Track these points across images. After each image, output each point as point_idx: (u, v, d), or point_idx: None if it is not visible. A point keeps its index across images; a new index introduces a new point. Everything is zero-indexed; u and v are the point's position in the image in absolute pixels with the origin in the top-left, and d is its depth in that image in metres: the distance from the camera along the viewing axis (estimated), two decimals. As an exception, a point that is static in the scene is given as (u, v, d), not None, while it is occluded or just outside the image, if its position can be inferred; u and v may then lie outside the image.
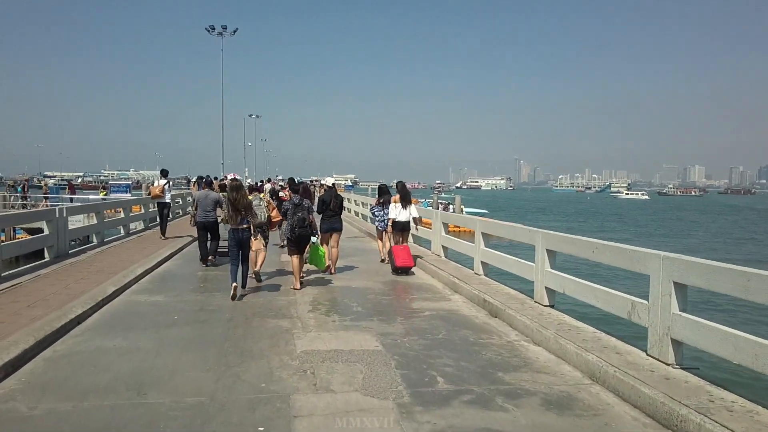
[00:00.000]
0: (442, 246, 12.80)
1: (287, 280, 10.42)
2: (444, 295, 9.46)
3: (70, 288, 8.79)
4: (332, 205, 11.31)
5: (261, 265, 10.18)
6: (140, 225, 19.71)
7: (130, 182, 40.94)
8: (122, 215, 17.65)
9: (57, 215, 11.97)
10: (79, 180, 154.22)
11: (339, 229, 11.47)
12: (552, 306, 7.85)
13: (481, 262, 10.34)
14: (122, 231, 17.31)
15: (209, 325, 7.28)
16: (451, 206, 46.43)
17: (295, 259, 9.73)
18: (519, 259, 8.91)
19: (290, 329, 7.08)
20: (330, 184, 12.26)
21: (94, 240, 14.75)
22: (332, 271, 11.28)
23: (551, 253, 7.86)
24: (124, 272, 10.25)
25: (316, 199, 15.70)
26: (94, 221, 14.82)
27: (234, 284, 8.79)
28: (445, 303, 8.84)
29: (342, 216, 11.89)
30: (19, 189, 36.74)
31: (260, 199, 10.83)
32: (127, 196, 36.15)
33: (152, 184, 17.47)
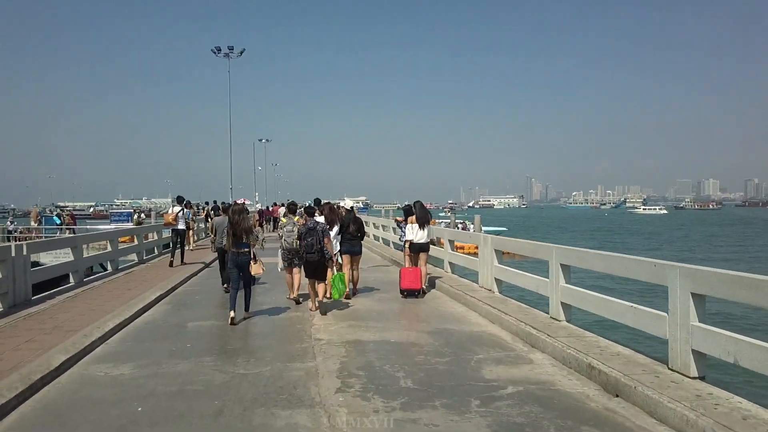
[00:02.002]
0: (495, 279, 10.24)
1: (299, 318, 7.96)
2: (519, 352, 6.87)
3: (3, 359, 6.32)
4: (350, 228, 11.23)
5: (298, 287, 10.50)
6: (135, 258, 17.42)
7: (132, 211, 38.66)
8: (108, 248, 15.24)
9: (13, 253, 9.55)
10: (91, 210, 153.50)
11: (359, 252, 11.44)
12: (702, 378, 5.23)
13: (561, 303, 7.73)
14: (109, 267, 14.94)
15: (186, 426, 4.73)
16: (470, 225, 44.13)
17: (308, 284, 9.70)
18: (640, 306, 6.21)
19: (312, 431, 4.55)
20: (348, 207, 12.28)
21: (71, 280, 12.34)
22: (354, 292, 11.15)
23: (699, 300, 5.24)
24: (89, 329, 7.75)
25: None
26: (71, 257, 12.36)
27: (231, 314, 8.62)
28: (527, 368, 6.24)
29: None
30: (57, 220, 34.80)
31: (294, 223, 10.30)
32: (129, 225, 33.99)
33: (167, 212, 17.08)
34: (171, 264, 15.59)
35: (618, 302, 6.46)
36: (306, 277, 9.71)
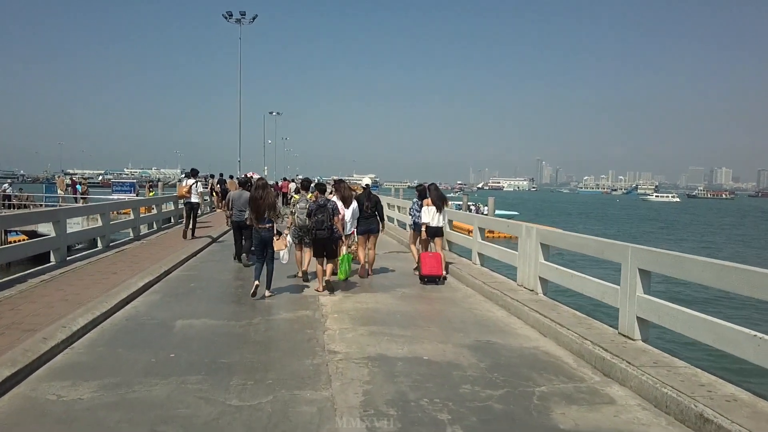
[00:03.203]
0: (540, 278, 8.71)
1: (309, 319, 6.49)
2: (592, 384, 5.34)
3: (-74, 372, 4.88)
4: (366, 206, 10.98)
5: (308, 264, 10.24)
6: (131, 234, 16.04)
7: (135, 181, 37.19)
8: (99, 223, 13.80)
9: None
10: (100, 178, 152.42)
11: (376, 231, 11.22)
12: None
13: (638, 318, 6.18)
14: (99, 243, 13.52)
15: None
16: (484, 208, 42.46)
17: (315, 262, 9.49)
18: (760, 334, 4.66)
19: None
20: (365, 184, 11.94)
21: (52, 259, 10.92)
22: (369, 272, 11.05)
23: None
24: (52, 328, 6.29)
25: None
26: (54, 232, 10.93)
27: (256, 282, 8.78)
28: (610, 412, 4.70)
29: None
30: (79, 188, 33.43)
31: (306, 200, 9.92)
32: (131, 197, 32.60)
33: (180, 183, 17.00)
34: (185, 235, 15.69)
35: (734, 328, 4.90)
36: (314, 255, 9.50)
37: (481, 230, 11.87)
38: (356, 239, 11.10)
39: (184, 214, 16.57)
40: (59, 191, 33.86)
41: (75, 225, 18.66)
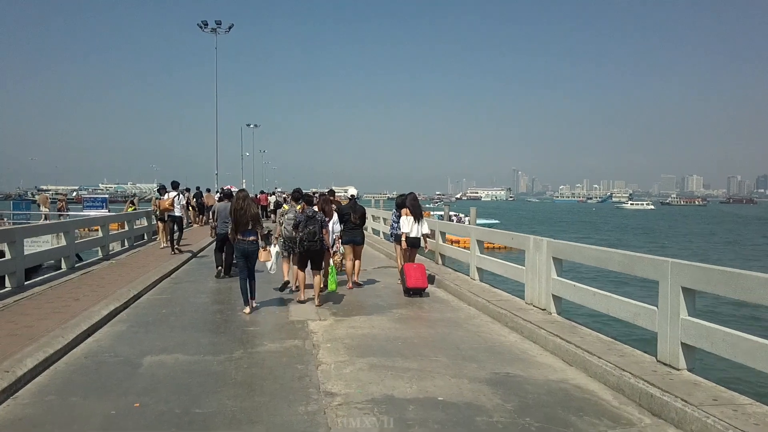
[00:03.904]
0: (554, 296, 7.87)
1: (299, 350, 5.53)
2: (642, 428, 4.46)
3: None
4: (352, 217, 10.96)
5: (296, 276, 9.78)
6: (99, 253, 14.87)
7: (107, 196, 35.73)
8: (59, 242, 12.63)
9: None
10: (74, 194, 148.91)
11: (361, 242, 11.17)
12: None
13: (683, 344, 5.35)
14: (63, 264, 12.35)
15: None
16: (466, 218, 41.84)
17: (301, 274, 9.33)
18: None
19: None
20: (350, 195, 11.80)
21: (7, 284, 9.79)
22: (356, 281, 11.02)
23: None
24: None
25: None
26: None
27: (247, 308, 8.61)
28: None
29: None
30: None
31: (296, 211, 9.61)
32: (104, 212, 31.17)
33: (161, 198, 16.23)
34: (173, 250, 15.48)
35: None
36: (299, 268, 9.31)
37: (480, 243, 11.02)
38: (341, 250, 11.20)
39: (166, 229, 16.18)
40: (43, 208, 32.20)
41: (45, 244, 17.46)
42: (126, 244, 17.61)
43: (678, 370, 5.35)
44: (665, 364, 5.50)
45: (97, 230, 16.85)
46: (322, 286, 9.40)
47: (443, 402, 4.97)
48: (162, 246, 16.18)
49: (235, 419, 4.57)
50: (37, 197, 34.64)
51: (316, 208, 10.04)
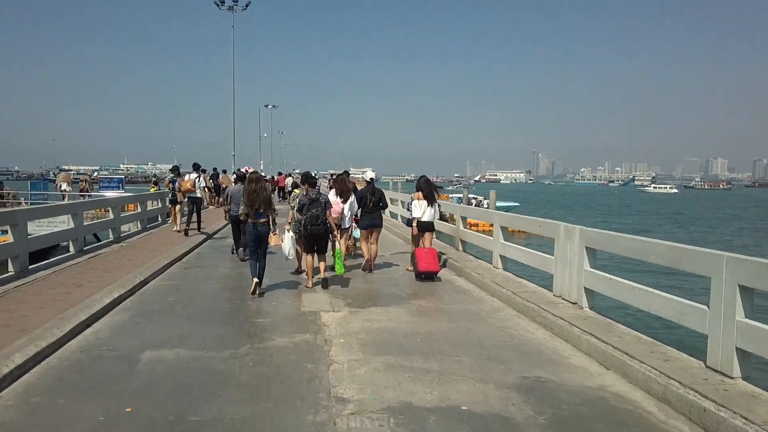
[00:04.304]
0: (586, 289, 7.25)
1: (309, 346, 5.03)
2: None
3: None
4: (369, 201, 10.79)
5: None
6: (111, 235, 14.54)
7: (123, 177, 35.59)
8: (68, 224, 12.26)
9: None
10: (95, 174, 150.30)
11: (379, 225, 10.99)
12: None
13: (738, 349, 4.74)
14: (71, 247, 12.00)
15: None
16: (485, 201, 41.02)
17: (309, 258, 9.23)
18: None
19: None
20: (369, 178, 11.55)
21: (10, 269, 9.44)
22: (371, 268, 10.77)
23: None
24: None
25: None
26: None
27: (255, 279, 8.51)
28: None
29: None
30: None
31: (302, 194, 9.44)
32: (119, 192, 30.97)
33: (182, 178, 16.35)
34: (186, 233, 15.22)
35: None
36: (305, 251, 9.28)
37: (504, 229, 10.40)
38: (356, 234, 11.19)
39: (180, 211, 16.23)
40: (65, 186, 31.90)
41: (61, 224, 17.18)
42: (139, 226, 17.30)
43: (732, 378, 4.74)
44: (717, 371, 4.89)
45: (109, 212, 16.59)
46: (323, 270, 9.24)
47: (468, 413, 4.43)
48: (175, 229, 15.80)
49: (234, 430, 4.09)
50: (57, 177, 34.35)
51: (323, 190, 10.11)
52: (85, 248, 12.34)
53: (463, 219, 12.98)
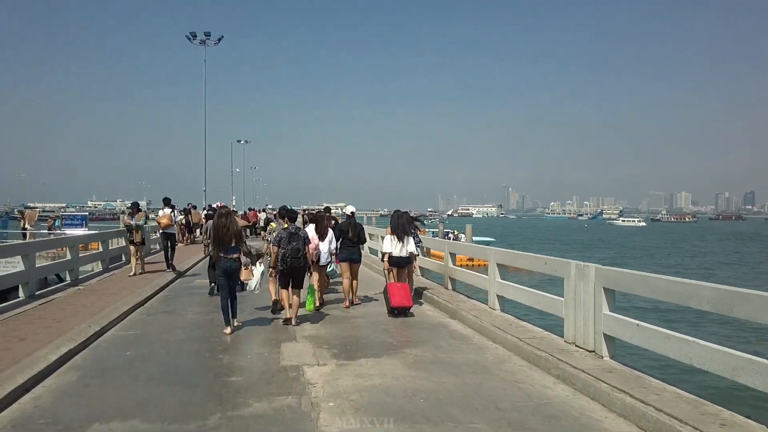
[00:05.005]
0: (606, 335, 6.40)
1: (291, 415, 4.04)
2: None
3: None
4: (350, 234, 10.78)
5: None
6: (68, 277, 13.27)
7: (86, 214, 34.07)
8: (21, 266, 11.02)
9: None
10: (62, 211, 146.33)
11: (358, 261, 10.94)
12: None
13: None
14: (21, 293, 10.74)
15: None
16: (461, 235, 40.44)
17: (284, 291, 9.03)
18: None
19: None
20: (349, 213, 11.61)
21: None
22: (354, 301, 10.78)
23: None
24: None
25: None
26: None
27: (228, 329, 8.28)
28: None
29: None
30: None
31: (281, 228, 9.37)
32: (83, 231, 29.47)
33: (126, 216, 16.59)
34: (168, 266, 15.03)
35: None
36: (282, 286, 9.06)
37: (500, 267, 9.59)
38: (337, 269, 11.24)
39: (163, 246, 16.01)
40: (27, 226, 30.45)
41: (18, 265, 15.80)
42: (101, 266, 16.03)
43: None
44: (791, 441, 4.06)
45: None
46: (297, 306, 9.11)
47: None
48: (131, 274, 14.13)
49: None
50: (26, 213, 32.80)
51: (310, 228, 10.34)
52: (37, 293, 11.12)
53: (452, 255, 12.15)
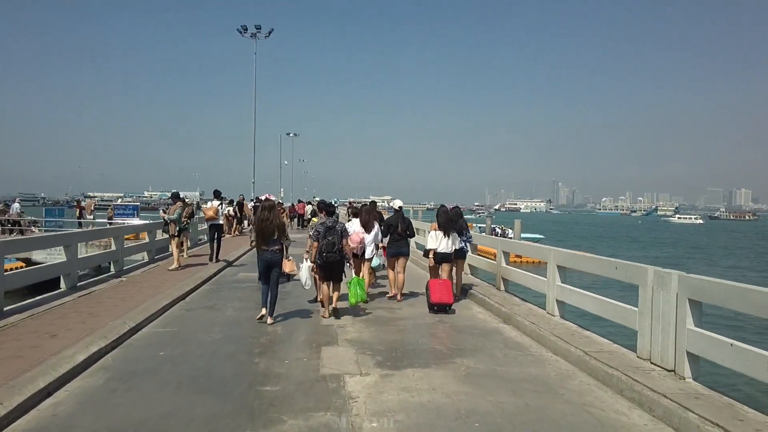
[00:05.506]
0: (689, 353, 5.56)
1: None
2: None
3: None
4: (399, 228, 10.59)
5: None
6: (112, 268, 13.14)
7: (138, 204, 34.64)
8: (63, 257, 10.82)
9: None
10: (118, 200, 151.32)
11: (406, 254, 10.74)
12: None
13: None
14: (63, 283, 10.57)
15: None
16: (509, 230, 39.21)
17: (324, 287, 9.01)
18: None
19: None
20: (397, 206, 11.23)
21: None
22: (398, 298, 10.56)
23: None
24: None
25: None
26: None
27: (263, 311, 8.51)
28: None
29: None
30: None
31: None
32: (136, 221, 29.90)
33: (205, 205, 16.98)
34: (211, 259, 15.32)
35: None
36: (321, 280, 9.07)
37: (560, 269, 8.77)
38: (382, 261, 11.05)
39: (209, 237, 16.04)
40: (87, 215, 31.64)
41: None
42: (146, 257, 15.90)
43: None
44: None
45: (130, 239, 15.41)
46: (337, 300, 9.22)
47: None
48: (170, 267, 13.69)
49: None
50: (83, 203, 33.85)
51: (356, 221, 10.43)
52: (79, 284, 10.93)
53: (506, 254, 11.36)
